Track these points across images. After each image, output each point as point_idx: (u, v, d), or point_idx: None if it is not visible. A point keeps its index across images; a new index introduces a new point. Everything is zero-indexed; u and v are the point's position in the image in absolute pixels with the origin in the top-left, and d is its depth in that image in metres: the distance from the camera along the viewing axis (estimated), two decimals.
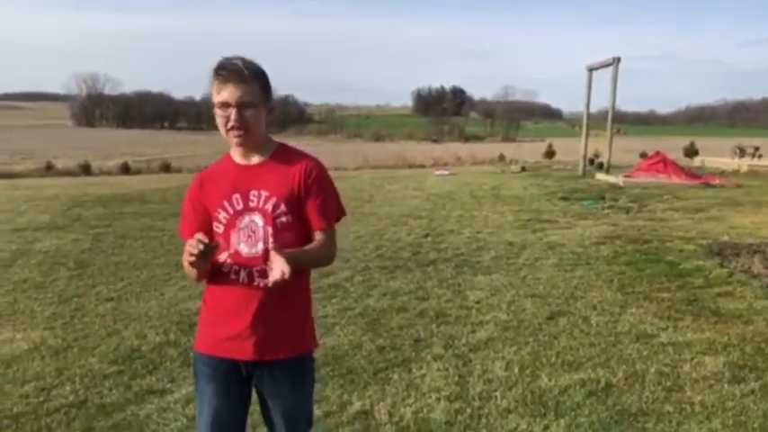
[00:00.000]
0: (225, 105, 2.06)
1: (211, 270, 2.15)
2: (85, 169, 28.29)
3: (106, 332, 5.07)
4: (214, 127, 2.16)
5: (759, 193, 13.79)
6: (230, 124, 2.07)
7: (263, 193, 2.13)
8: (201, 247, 1.95)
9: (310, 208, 2.17)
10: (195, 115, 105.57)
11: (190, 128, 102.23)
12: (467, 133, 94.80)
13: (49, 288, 6.38)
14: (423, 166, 27.65)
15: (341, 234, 2.31)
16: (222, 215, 2.15)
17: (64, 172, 28.61)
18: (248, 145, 2.15)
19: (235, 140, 2.11)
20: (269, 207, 2.13)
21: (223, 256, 2.15)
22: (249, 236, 2.13)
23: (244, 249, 2.13)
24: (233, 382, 2.22)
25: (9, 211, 11.69)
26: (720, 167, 20.65)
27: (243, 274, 2.13)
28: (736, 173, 19.21)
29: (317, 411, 3.65)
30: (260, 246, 2.12)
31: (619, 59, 17.66)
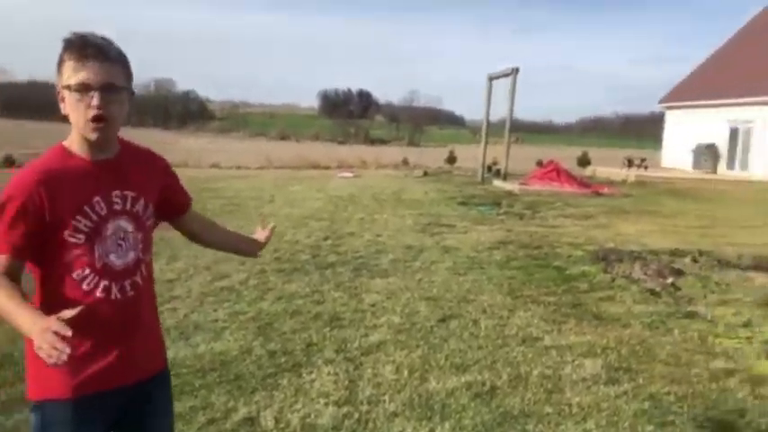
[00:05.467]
0: (85, 88, 1.72)
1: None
2: None
3: None
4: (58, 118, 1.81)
5: (644, 202, 14.63)
6: (93, 112, 1.73)
7: (129, 194, 1.87)
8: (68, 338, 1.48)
9: (174, 197, 2.08)
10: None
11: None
12: (372, 136, 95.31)
13: None
14: (327, 168, 27.57)
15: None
16: (83, 223, 1.77)
17: None
18: (108, 138, 1.82)
19: (94, 134, 1.76)
20: (138, 209, 1.89)
21: (80, 273, 1.79)
22: (119, 244, 1.84)
23: (116, 261, 1.83)
24: (109, 418, 1.90)
25: None
26: (610, 177, 21.76)
27: (114, 289, 1.83)
28: (624, 182, 20.29)
29: (201, 418, 3.56)
30: (131, 255, 1.87)
31: (517, 69, 18.28)
